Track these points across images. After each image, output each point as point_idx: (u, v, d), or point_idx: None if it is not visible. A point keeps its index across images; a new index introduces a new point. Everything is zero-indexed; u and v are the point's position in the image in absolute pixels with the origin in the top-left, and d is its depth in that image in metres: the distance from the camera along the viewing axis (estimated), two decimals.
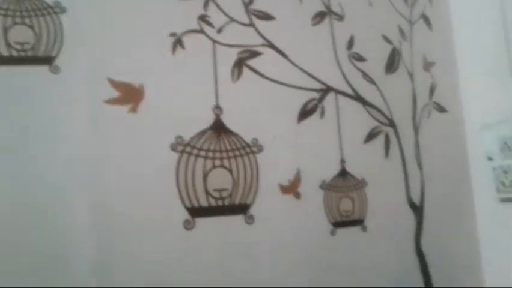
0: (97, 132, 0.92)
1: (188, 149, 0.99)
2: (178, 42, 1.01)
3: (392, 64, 1.30)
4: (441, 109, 1.38)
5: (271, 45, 1.12)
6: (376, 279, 1.19)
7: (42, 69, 0.88)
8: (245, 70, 1.09)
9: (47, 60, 0.88)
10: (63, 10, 0.90)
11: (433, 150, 1.34)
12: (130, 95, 0.94)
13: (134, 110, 0.95)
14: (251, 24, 1.10)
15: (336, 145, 1.19)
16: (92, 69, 0.92)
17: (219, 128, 1.04)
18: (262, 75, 1.10)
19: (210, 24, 1.05)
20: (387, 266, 1.22)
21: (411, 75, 1.33)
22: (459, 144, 1.39)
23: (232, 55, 1.08)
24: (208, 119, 1.03)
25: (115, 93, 0.93)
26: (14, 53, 0.86)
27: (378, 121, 1.25)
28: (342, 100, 1.20)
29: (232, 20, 1.08)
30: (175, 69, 1.00)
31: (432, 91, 1.37)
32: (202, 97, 1.03)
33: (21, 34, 0.87)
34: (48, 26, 0.88)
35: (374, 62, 1.27)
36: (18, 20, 0.86)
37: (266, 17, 1.13)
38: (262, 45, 1.11)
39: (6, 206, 0.83)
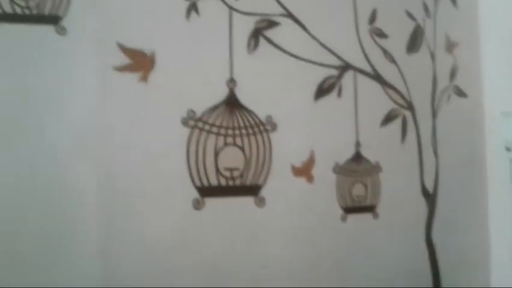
0: (105, 100, 0.90)
1: (200, 124, 0.98)
2: (192, 8, 0.98)
3: (414, 43, 1.29)
4: (461, 93, 1.38)
5: (291, 16, 1.10)
6: (384, 269, 1.23)
7: (48, 29, 0.85)
8: (262, 41, 1.07)
9: (53, 20, 0.85)
10: None
11: (450, 137, 1.35)
12: (140, 62, 0.92)
13: (144, 78, 0.93)
14: None
15: (352, 127, 1.19)
16: (101, 33, 0.89)
17: (232, 102, 1.03)
18: (279, 48, 1.09)
19: None
20: (396, 255, 1.24)
21: (432, 56, 1.33)
22: (477, 131, 1.41)
23: (249, 24, 1.05)
24: (221, 93, 1.02)
25: (125, 60, 0.91)
26: (18, 10, 0.83)
27: (396, 103, 1.25)
28: (361, 79, 1.20)
29: None
30: (188, 37, 0.98)
31: (453, 74, 1.37)
32: (216, 68, 1.01)
33: None
34: None
35: (396, 39, 1.26)
36: None
37: None
38: (281, 15, 1.09)
39: (8, 176, 0.82)
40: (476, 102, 1.41)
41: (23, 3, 0.83)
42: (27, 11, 0.83)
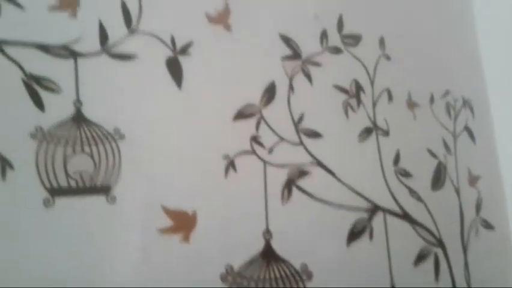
0: (148, 262, 0.94)
1: (238, 279, 1.01)
2: (230, 165, 1.05)
3: (438, 179, 1.34)
4: (488, 226, 1.41)
5: (320, 164, 1.17)
6: None
7: (99, 199, 0.91)
8: (294, 191, 1.13)
9: (104, 190, 0.91)
10: (122, 137, 0.95)
11: (482, 271, 1.35)
12: (183, 223, 0.97)
13: (186, 239, 0.97)
14: (300, 143, 1.16)
15: (386, 270, 1.20)
16: (146, 197, 0.95)
17: (268, 254, 1.06)
18: (311, 196, 1.14)
19: (261, 144, 1.10)
20: None
21: (457, 191, 1.37)
22: (508, 263, 1.41)
23: (282, 176, 1.12)
24: (258, 245, 1.05)
25: (168, 222, 0.96)
26: (73, 184, 0.89)
27: (427, 241, 1.27)
28: (391, 220, 1.23)
29: (283, 139, 1.13)
30: (227, 193, 1.04)
31: (478, 206, 1.41)
32: (253, 221, 1.06)
33: (80, 163, 0.91)
34: (107, 154, 0.92)
35: (420, 177, 1.31)
36: (78, 148, 0.91)
37: (314, 135, 1.18)
38: (311, 164, 1.16)
39: None
40: (503, 233, 1.43)
41: (77, 177, 0.89)
42: (81, 184, 0.90)
